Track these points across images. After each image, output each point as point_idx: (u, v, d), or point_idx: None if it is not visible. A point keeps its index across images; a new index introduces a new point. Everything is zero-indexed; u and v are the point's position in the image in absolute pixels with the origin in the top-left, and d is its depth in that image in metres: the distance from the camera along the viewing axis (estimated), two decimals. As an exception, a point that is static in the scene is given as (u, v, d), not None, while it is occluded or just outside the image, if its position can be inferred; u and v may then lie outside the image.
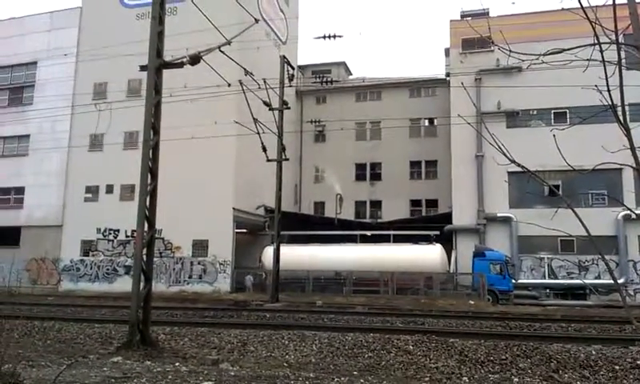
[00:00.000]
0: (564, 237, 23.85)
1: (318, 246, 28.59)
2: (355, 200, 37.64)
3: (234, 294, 26.76)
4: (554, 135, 4.39)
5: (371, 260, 26.64)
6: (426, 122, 37.61)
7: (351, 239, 29.26)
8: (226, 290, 28.15)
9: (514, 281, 25.97)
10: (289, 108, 24.51)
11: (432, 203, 36.02)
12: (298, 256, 27.47)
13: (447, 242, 28.77)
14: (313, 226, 31.00)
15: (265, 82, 21.06)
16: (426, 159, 36.77)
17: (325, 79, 29.40)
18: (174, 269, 29.69)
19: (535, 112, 29.48)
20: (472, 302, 22.94)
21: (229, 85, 18.12)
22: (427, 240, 27.22)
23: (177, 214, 27.51)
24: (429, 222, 29.62)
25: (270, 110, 22.30)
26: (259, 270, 29.15)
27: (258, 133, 21.20)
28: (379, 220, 35.37)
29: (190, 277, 29.44)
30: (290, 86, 25.73)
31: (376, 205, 37.65)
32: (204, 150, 28.49)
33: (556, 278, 27.63)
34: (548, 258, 27.97)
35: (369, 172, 38.19)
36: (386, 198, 36.88)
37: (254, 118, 20.91)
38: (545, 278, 27.78)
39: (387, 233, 29.32)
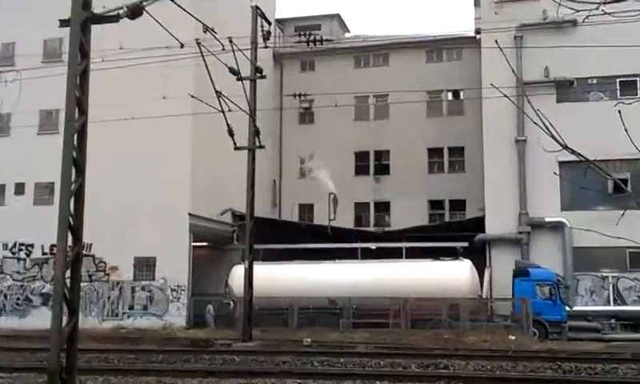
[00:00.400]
0: (634, 248, 24.05)
1: (304, 264, 28.58)
2: (355, 201, 37.66)
3: (192, 331, 26.76)
4: (619, 111, 4.42)
5: (377, 282, 26.68)
6: (450, 96, 37.72)
7: (350, 254, 29.29)
8: (181, 325, 28.13)
9: (567, 308, 26.15)
10: (264, 77, 24.44)
11: (458, 205, 36.14)
12: (279, 278, 27.44)
13: (479, 256, 28.93)
14: (298, 238, 30.95)
15: (231, 42, 20.99)
16: (450, 146, 36.88)
17: (313, 38, 29.42)
18: (109, 297, 29.58)
19: (595, 81, 29.71)
20: (512, 338, 23.06)
21: (182, 46, 18.02)
22: (452, 254, 27.35)
23: (112, 223, 27.35)
24: (454, 231, 29.67)
25: (238, 79, 22.24)
26: (225, 298, 29.11)
27: (223, 111, 21.11)
28: (387, 228, 35.40)
29: (131, 308, 29.36)
30: (266, 47, 25.62)
31: (383, 207, 37.69)
32: (149, 134, 28.39)
33: (624, 303, 27.90)
34: (613, 276, 28.19)
35: (373, 163, 38.20)
36: (396, 199, 36.96)
37: (216, 91, 20.82)
38: (609, 304, 28.02)
39: (398, 245, 29.35)
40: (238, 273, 26.89)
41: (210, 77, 20.50)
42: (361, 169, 38.34)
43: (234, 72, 21.80)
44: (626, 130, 4.51)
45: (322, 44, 29.70)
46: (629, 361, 15.64)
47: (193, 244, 29.46)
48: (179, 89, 26.70)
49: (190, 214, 28.95)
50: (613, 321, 27.22)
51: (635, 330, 26.64)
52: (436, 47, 37.82)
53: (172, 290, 29.02)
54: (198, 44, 20.20)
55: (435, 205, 36.86)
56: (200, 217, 29.59)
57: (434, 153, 37.35)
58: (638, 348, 19.87)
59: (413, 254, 28.40)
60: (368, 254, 29.58)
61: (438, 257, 27.44)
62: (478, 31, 32.83)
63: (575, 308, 27.29)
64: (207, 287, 30.67)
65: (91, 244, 28.08)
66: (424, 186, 36.55)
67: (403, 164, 37.05)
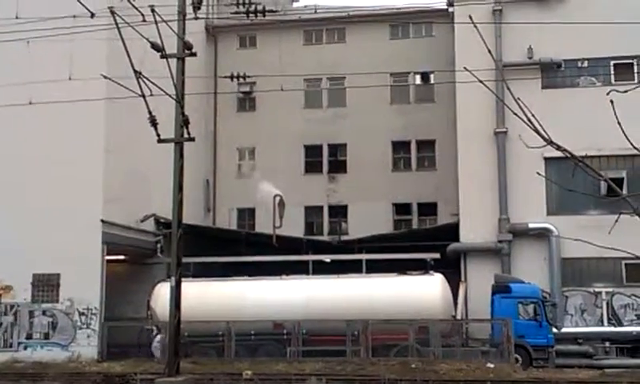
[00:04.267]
0: (631, 259, 24.76)
1: (244, 281, 28.53)
2: (305, 205, 37.72)
3: (106, 364, 26.49)
4: (611, 101, 4.55)
5: (332, 302, 26.71)
6: (418, 79, 38.11)
7: (300, 269, 29.33)
8: (92, 358, 27.78)
9: (555, 330, 26.77)
10: (194, 54, 24.15)
11: (428, 209, 36.54)
12: (213, 298, 27.35)
13: (452, 270, 29.32)
14: (236, 249, 30.76)
15: (153, 11, 20.75)
16: (418, 138, 37.23)
17: (254, 8, 29.23)
18: (0, 324, 29.01)
19: (586, 63, 30.42)
20: (491, 365, 23.51)
21: (92, 15, 17.79)
22: (421, 268, 27.63)
23: (5, 232, 27.04)
24: (423, 240, 29.98)
25: (162, 57, 22.03)
26: (147, 323, 28.85)
27: (143, 95, 20.84)
28: (344, 237, 35.54)
29: (28, 337, 28.82)
30: (197, 19, 25.45)
31: (339, 212, 37.82)
32: (51, 123, 27.92)
33: (620, 323, 28.61)
34: (607, 292, 28.91)
35: (326, 159, 38.30)
36: (354, 202, 37.16)
37: (135, 72, 20.52)
38: (603, 325, 28.71)
39: (357, 257, 29.50)
40: (162, 292, 26.57)
41: (128, 53, 20.21)
42: (312, 166, 38.38)
43: (158, 48, 21.53)
44: (618, 123, 4.62)
45: (264, 15, 29.49)
46: (625, 391, 16.14)
47: (106, 258, 29.00)
48: (89, 68, 26.27)
49: (102, 221, 28.47)
50: (607, 344, 27.92)
51: (633, 354, 27.40)
52: (402, 21, 38.07)
53: (80, 314, 28.55)
54: (112, 13, 19.91)
55: (401, 209, 37.16)
56: (115, 224, 29.23)
57: (400, 147, 37.64)
58: (635, 376, 20.46)
59: (374, 267, 28.55)
60: (321, 269, 29.65)
61: (405, 271, 27.61)
62: (450, 3, 33.17)
63: (564, 330, 27.94)
64: (125, 310, 30.28)
65: (-23, 258, 27.80)
66: (387, 187, 36.80)
67: (363, 160, 37.22)
